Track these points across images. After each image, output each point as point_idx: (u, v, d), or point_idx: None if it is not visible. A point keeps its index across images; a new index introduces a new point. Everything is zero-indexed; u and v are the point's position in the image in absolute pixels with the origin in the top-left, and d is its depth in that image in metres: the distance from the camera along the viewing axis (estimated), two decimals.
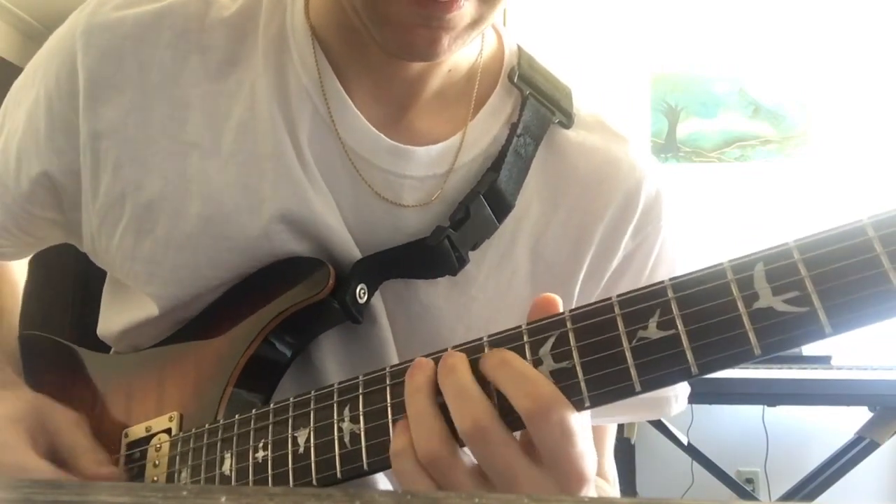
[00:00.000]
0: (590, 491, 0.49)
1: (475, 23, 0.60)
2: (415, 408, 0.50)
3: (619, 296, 0.47)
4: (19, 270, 0.88)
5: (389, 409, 0.53)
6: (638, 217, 0.72)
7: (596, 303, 0.48)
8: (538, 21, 3.26)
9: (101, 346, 0.78)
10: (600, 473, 0.78)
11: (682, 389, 0.76)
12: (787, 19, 3.24)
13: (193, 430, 0.63)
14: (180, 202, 0.67)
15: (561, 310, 0.51)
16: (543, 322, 0.49)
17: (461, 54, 0.71)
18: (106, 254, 0.71)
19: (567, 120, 0.73)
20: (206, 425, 0.62)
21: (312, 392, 0.57)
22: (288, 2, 0.70)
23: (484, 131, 0.70)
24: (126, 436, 0.68)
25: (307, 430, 0.56)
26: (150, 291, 0.68)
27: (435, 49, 0.59)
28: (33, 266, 0.91)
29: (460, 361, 0.50)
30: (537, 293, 0.70)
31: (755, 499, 3.00)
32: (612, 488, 0.78)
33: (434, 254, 0.66)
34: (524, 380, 0.47)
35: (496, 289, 0.69)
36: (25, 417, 0.66)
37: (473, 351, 0.51)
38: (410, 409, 0.50)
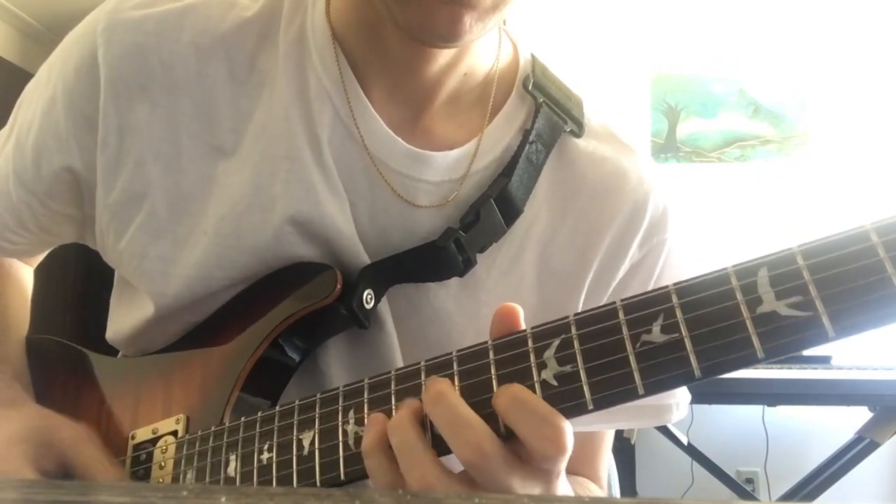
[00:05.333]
0: (562, 480, 0.50)
1: (496, 7, 0.60)
2: (399, 438, 0.49)
3: (623, 300, 0.47)
4: (29, 278, 0.88)
5: (394, 411, 0.53)
6: (645, 228, 0.72)
7: (600, 307, 0.48)
8: (539, 21, 3.26)
9: (104, 349, 0.78)
10: (594, 475, 0.78)
11: (683, 397, 0.76)
12: (787, 19, 3.24)
13: (199, 433, 0.64)
14: (204, 202, 0.67)
15: (523, 320, 0.52)
16: (548, 326, 0.50)
17: (478, 60, 0.71)
18: (113, 251, 0.71)
19: (578, 129, 0.73)
20: (212, 428, 0.63)
21: (318, 395, 0.58)
22: (309, 3, 0.71)
23: (498, 138, 0.71)
24: (133, 438, 0.68)
25: (312, 433, 0.56)
26: (157, 290, 0.68)
27: (456, 29, 0.59)
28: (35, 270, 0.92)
29: (446, 387, 0.49)
30: (544, 300, 0.71)
31: (755, 499, 3.01)
32: (600, 490, 0.78)
33: (441, 255, 0.66)
34: (542, 423, 0.46)
35: (505, 294, 0.70)
36: (28, 438, 0.66)
37: (477, 356, 0.51)
38: (395, 439, 0.50)
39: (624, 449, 2.49)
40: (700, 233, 2.88)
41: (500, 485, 0.47)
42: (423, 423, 0.50)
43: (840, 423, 2.70)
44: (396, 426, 0.50)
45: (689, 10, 3.31)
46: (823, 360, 2.53)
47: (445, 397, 0.49)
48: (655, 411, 0.75)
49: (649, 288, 0.73)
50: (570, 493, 0.57)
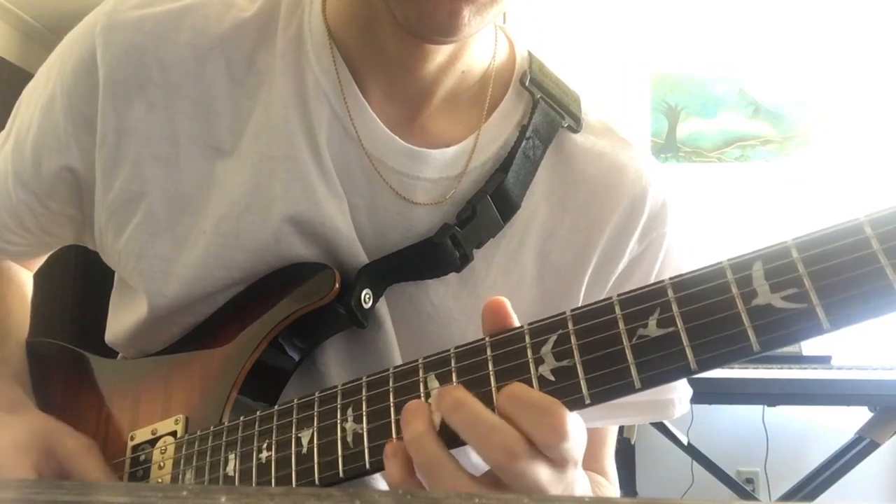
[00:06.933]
0: (578, 472, 0.50)
1: (493, 0, 0.60)
2: (424, 455, 0.49)
3: (619, 295, 0.48)
4: (29, 282, 0.88)
5: (392, 408, 0.53)
6: (644, 223, 0.72)
7: (596, 302, 0.49)
8: (538, 21, 3.26)
9: (103, 352, 0.78)
10: (602, 472, 0.79)
11: (685, 392, 0.76)
12: (787, 19, 3.24)
13: (198, 433, 0.64)
14: (203, 202, 0.67)
15: (512, 311, 0.52)
16: (545, 322, 0.50)
17: (475, 58, 0.71)
18: (112, 250, 0.71)
19: (576, 124, 0.73)
20: (211, 427, 0.63)
21: (317, 394, 0.58)
22: (306, 3, 0.71)
23: (496, 135, 0.71)
24: (132, 438, 0.68)
25: (311, 431, 0.56)
26: (155, 289, 0.68)
27: (456, 22, 0.59)
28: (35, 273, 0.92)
29: (463, 394, 0.49)
30: (544, 295, 0.71)
31: (755, 499, 3.00)
32: (613, 488, 0.78)
33: (437, 251, 0.67)
34: (539, 412, 0.47)
35: (504, 289, 0.70)
36: (32, 446, 0.66)
37: (474, 352, 0.51)
38: (419, 457, 0.49)
39: (624, 449, 2.49)
40: (700, 233, 2.88)
41: (529, 480, 0.47)
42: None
43: (840, 423, 2.70)
44: (417, 442, 0.49)
45: (689, 10, 3.31)
46: (823, 360, 2.53)
47: (465, 405, 0.48)
48: (657, 406, 0.75)
49: (650, 282, 0.73)
50: (587, 486, 0.57)
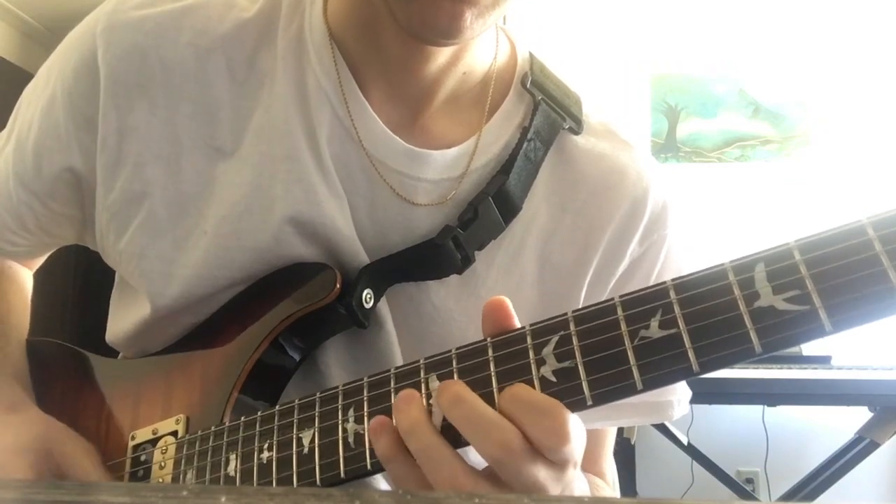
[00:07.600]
0: (577, 472, 0.50)
1: (496, 3, 0.60)
2: (421, 443, 0.49)
3: (621, 296, 0.48)
4: (29, 281, 0.88)
5: (393, 409, 0.53)
6: (645, 224, 0.72)
7: (598, 303, 0.49)
8: (538, 21, 3.26)
9: (104, 351, 0.78)
10: (599, 474, 0.78)
11: (684, 394, 0.76)
12: (787, 19, 3.24)
13: (199, 433, 0.64)
14: (204, 203, 0.67)
15: (513, 311, 0.52)
16: (546, 323, 0.50)
17: (476, 59, 0.71)
18: (113, 250, 0.71)
19: (577, 126, 0.73)
20: (212, 428, 0.63)
21: (318, 394, 0.58)
22: (307, 3, 0.71)
23: (497, 136, 0.71)
24: (133, 438, 0.68)
25: (312, 431, 0.56)
26: (156, 290, 0.68)
27: (458, 24, 0.59)
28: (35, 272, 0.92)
29: (463, 389, 0.49)
30: (544, 296, 0.71)
31: (755, 499, 3.01)
32: (611, 490, 0.78)
33: (439, 253, 0.67)
34: (541, 415, 0.47)
35: (505, 290, 0.70)
36: (31, 447, 0.66)
37: (476, 353, 0.51)
38: (415, 445, 0.49)
39: (624, 449, 2.49)
40: (700, 233, 2.88)
41: (527, 478, 0.47)
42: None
43: (840, 423, 2.70)
44: (412, 431, 0.49)
45: (689, 10, 3.31)
46: (823, 360, 2.53)
47: (465, 399, 0.49)
48: (657, 408, 0.75)
49: (651, 283, 0.73)
50: (585, 486, 0.57)
